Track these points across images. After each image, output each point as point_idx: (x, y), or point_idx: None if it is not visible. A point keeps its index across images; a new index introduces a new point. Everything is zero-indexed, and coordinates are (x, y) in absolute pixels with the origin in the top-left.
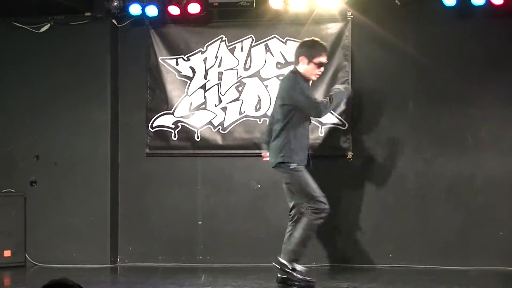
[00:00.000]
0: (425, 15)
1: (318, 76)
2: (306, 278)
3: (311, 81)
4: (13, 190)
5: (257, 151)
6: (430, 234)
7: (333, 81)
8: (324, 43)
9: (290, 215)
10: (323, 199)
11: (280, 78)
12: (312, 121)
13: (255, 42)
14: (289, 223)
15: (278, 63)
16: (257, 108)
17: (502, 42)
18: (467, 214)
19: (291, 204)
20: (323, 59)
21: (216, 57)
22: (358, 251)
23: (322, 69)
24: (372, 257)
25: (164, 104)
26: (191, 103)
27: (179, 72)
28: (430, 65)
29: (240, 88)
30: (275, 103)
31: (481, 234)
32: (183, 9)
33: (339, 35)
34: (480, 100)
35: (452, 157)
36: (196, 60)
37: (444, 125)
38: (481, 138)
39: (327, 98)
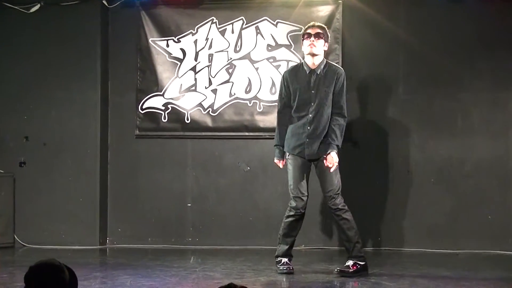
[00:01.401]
0: None
1: (310, 47)
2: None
3: (310, 59)
4: (2, 171)
5: (247, 134)
6: (419, 217)
7: None
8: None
9: None
10: (297, 199)
11: (271, 60)
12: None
13: (245, 24)
14: None
15: (268, 45)
16: (247, 90)
17: (493, 26)
18: (456, 197)
19: None
20: (307, 31)
21: (207, 39)
22: None
23: (311, 39)
24: (361, 240)
25: (154, 85)
26: (181, 85)
27: (169, 53)
28: (421, 49)
29: (230, 70)
30: None
31: (470, 217)
32: None
33: (330, 18)
34: (471, 84)
35: (442, 140)
36: (187, 42)
37: (434, 109)
38: (471, 122)
39: None
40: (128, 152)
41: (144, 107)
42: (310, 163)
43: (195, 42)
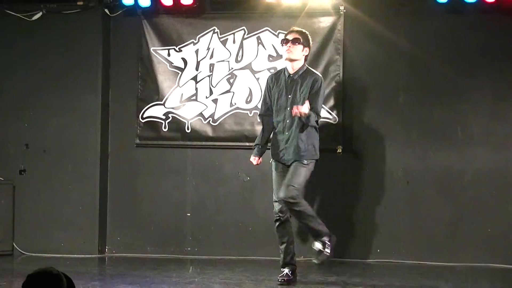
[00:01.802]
0: (418, 10)
1: (287, 52)
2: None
3: (289, 65)
4: (1, 178)
5: (247, 144)
6: (419, 228)
7: (324, 74)
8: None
9: None
10: (276, 203)
11: (272, 71)
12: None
13: (247, 35)
14: None
15: (270, 55)
16: (248, 100)
17: (493, 37)
18: (456, 209)
19: None
20: (286, 36)
21: (208, 48)
22: (346, 245)
23: (288, 45)
24: (360, 251)
25: (155, 94)
26: (182, 94)
27: (170, 63)
28: (422, 60)
29: (231, 80)
30: None
31: (470, 230)
32: (176, 0)
33: (332, 28)
34: (471, 94)
35: (442, 151)
36: (188, 51)
37: (434, 119)
38: (471, 133)
39: None
40: (128, 160)
41: (144, 116)
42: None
43: (197, 51)
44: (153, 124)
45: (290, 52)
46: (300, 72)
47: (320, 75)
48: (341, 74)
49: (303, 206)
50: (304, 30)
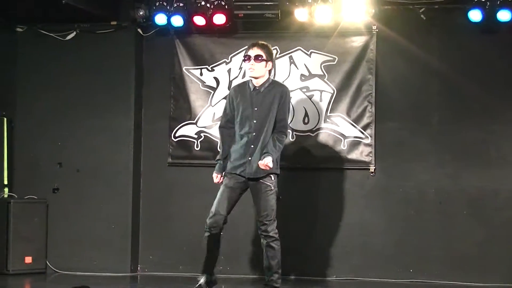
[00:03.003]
0: (450, 30)
1: (250, 71)
2: None
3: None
4: (35, 197)
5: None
6: (451, 249)
7: (357, 94)
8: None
9: None
10: (211, 216)
11: (304, 90)
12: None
13: (279, 54)
14: None
15: (302, 75)
16: None
17: None
18: (489, 230)
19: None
20: (247, 52)
21: (240, 68)
22: (378, 265)
23: (250, 62)
24: (393, 271)
25: (187, 114)
26: (214, 113)
27: (203, 82)
28: (454, 79)
29: None
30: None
31: (502, 251)
32: (209, 19)
33: (364, 48)
34: (503, 115)
35: (475, 172)
36: (220, 70)
37: (467, 140)
38: (504, 153)
39: None
40: (160, 179)
41: (177, 135)
42: (247, 187)
43: (229, 71)
44: (185, 143)
45: (252, 70)
46: (266, 85)
47: (286, 87)
48: (373, 94)
49: (278, 241)
50: (266, 44)
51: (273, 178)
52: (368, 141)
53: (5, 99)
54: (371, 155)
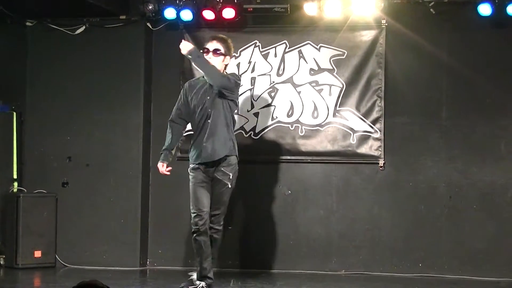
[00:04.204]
0: (460, 24)
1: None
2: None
3: None
4: (45, 191)
5: (289, 157)
6: (461, 243)
7: (366, 88)
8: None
9: None
10: (195, 215)
11: (313, 84)
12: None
13: (288, 48)
14: None
15: (311, 69)
16: (290, 114)
17: None
18: (499, 224)
19: None
20: (206, 45)
21: (250, 62)
22: (388, 259)
23: (208, 56)
24: (402, 266)
25: None
26: None
27: None
28: (464, 74)
29: (272, 94)
30: None
31: None
32: (218, 14)
33: (373, 42)
34: None
35: (485, 166)
36: (229, 65)
37: (477, 134)
38: None
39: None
40: (169, 174)
41: (186, 129)
42: (210, 178)
43: (238, 65)
44: None
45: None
46: None
47: (235, 73)
48: (383, 88)
49: (221, 232)
50: (225, 38)
51: (232, 162)
52: (377, 135)
53: (15, 93)
54: (380, 149)
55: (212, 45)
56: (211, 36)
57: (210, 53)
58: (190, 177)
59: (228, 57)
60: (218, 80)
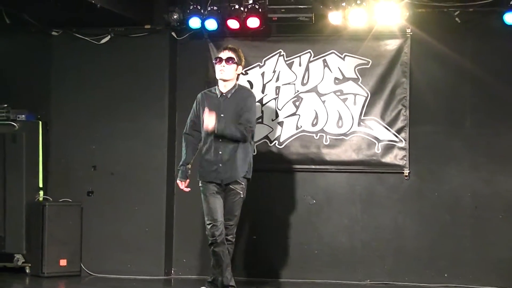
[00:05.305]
0: (485, 33)
1: (221, 72)
2: None
3: (222, 83)
4: (70, 200)
5: (313, 166)
6: (486, 253)
7: (391, 97)
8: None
9: None
10: (211, 226)
11: (338, 93)
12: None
13: (313, 57)
14: None
15: (336, 78)
16: (314, 123)
17: None
18: None
19: None
20: (219, 55)
21: (274, 71)
22: (412, 269)
23: (222, 64)
24: (427, 275)
25: None
26: None
27: None
28: (489, 82)
29: (297, 103)
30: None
31: None
32: (242, 23)
33: (398, 51)
34: None
35: (510, 175)
36: (254, 74)
37: (502, 143)
38: None
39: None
40: (194, 182)
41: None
42: (223, 188)
43: (262, 74)
44: None
45: (223, 72)
46: (233, 91)
47: (252, 91)
48: (407, 97)
49: (233, 245)
50: (236, 47)
51: (243, 184)
52: (402, 144)
53: (41, 102)
54: (405, 158)
55: (224, 54)
56: (222, 46)
57: (223, 62)
58: (201, 188)
59: (240, 66)
60: (239, 139)
